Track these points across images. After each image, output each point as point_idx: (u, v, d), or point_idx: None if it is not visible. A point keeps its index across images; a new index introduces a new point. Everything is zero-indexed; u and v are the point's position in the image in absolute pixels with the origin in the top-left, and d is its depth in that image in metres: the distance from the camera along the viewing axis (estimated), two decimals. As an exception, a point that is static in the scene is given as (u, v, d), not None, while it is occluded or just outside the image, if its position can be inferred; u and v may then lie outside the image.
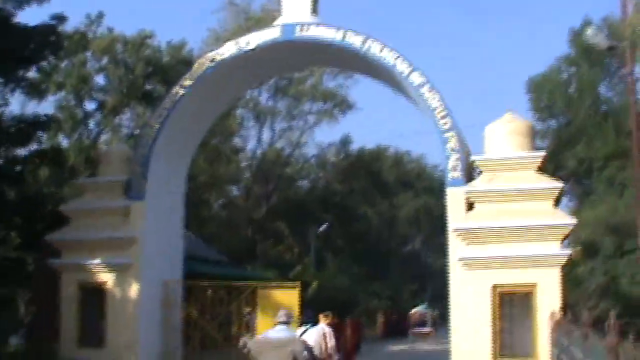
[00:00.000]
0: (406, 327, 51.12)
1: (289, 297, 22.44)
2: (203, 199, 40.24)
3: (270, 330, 13.78)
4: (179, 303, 23.75)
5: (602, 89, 48.54)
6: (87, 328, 22.56)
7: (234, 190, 50.57)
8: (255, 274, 35.54)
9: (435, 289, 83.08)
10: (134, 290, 22.18)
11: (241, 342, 15.15)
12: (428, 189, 73.83)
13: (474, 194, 20.14)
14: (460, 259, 19.84)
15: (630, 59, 25.65)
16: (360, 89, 79.29)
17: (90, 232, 22.64)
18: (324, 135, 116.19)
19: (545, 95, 48.68)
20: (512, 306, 19.79)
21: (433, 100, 20.79)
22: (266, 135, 50.83)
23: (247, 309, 23.44)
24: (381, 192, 61.77)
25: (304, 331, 16.68)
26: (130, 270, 22.24)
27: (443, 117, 20.70)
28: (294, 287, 22.76)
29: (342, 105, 50.54)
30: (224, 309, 23.77)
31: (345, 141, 56.37)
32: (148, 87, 37.91)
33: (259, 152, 50.39)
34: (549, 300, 19.21)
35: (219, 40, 39.70)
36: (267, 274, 34.63)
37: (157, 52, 38.55)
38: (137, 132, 37.45)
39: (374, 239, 58.14)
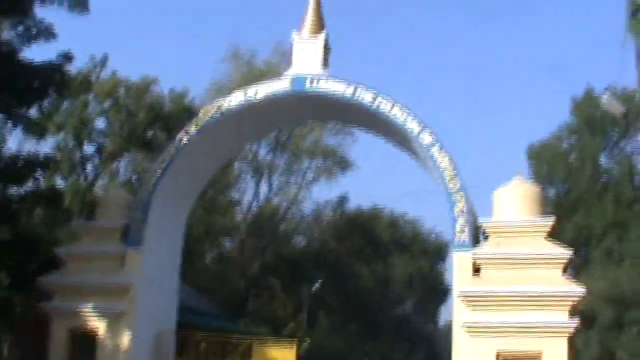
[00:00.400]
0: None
1: (285, 354, 21.92)
2: (197, 251, 39.64)
3: None
4: (171, 355, 23.12)
5: (603, 159, 48.45)
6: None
7: (228, 243, 50.02)
8: (248, 329, 34.84)
9: (426, 353, 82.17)
10: (126, 339, 21.56)
11: None
12: (423, 252, 73.37)
13: (481, 258, 19.73)
14: (465, 324, 19.35)
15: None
16: (360, 147, 78.84)
17: (85, 277, 22.11)
18: (321, 193, 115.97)
19: (546, 163, 48.53)
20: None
21: (443, 160, 20.50)
22: (263, 189, 50.55)
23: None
24: (376, 253, 61.26)
25: None
26: (124, 318, 21.65)
27: (452, 178, 20.39)
28: (291, 345, 22.23)
29: (341, 163, 50.31)
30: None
31: (342, 200, 56.04)
32: (149, 134, 37.61)
33: (255, 206, 50.00)
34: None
35: (222, 90, 39.57)
36: (260, 330, 33.89)
37: (159, 99, 38.32)
38: (134, 178, 37.07)
39: (367, 299, 57.36)
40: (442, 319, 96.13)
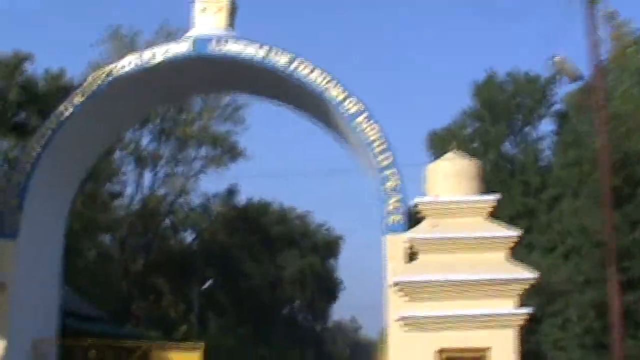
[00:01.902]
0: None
1: (189, 358, 19.46)
2: (76, 248, 36.42)
3: None
4: (53, 366, 20.31)
5: (507, 146, 47.66)
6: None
7: (108, 240, 46.72)
8: (137, 333, 32.07)
9: (315, 353, 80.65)
10: (-2, 347, 18.63)
11: None
12: (313, 249, 71.79)
13: (417, 242, 17.74)
14: (400, 319, 17.31)
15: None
16: (250, 137, 76.38)
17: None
18: (210, 185, 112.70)
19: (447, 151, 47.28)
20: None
21: (371, 132, 18.41)
22: (147, 180, 47.55)
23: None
24: (266, 249, 59.04)
25: None
26: (-5, 323, 18.71)
27: (382, 152, 18.32)
28: (195, 349, 19.76)
29: (231, 151, 47.87)
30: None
31: (231, 191, 53.56)
32: (21, 117, 34.09)
33: (137, 199, 46.92)
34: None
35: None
36: (149, 334, 31.15)
37: (33, 77, 34.77)
38: (3, 167, 33.51)
39: (258, 298, 55.12)
40: (333, 317, 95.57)
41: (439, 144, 46.95)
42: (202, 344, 19.82)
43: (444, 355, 17.17)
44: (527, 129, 47.46)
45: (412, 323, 17.22)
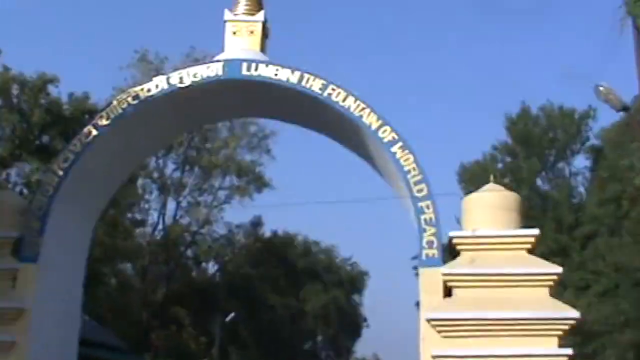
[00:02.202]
0: None
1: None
2: (97, 276, 36.02)
3: None
4: (71, 397, 19.75)
5: (539, 182, 46.97)
6: None
7: (130, 269, 46.26)
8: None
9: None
10: (16, 377, 18.07)
11: None
12: (337, 283, 71.05)
13: (454, 277, 17.08)
14: (435, 357, 16.61)
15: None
16: (277, 167, 75.49)
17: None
18: (234, 215, 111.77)
19: (479, 185, 46.64)
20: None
21: (406, 161, 17.83)
22: (170, 210, 47.12)
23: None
24: (290, 282, 58.38)
25: None
26: (14, 351, 18.11)
27: (417, 183, 17.73)
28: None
29: (257, 181, 47.40)
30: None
31: (256, 222, 53.05)
32: (44, 139, 33.83)
33: (160, 228, 46.53)
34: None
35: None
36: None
37: (57, 100, 34.55)
38: (25, 190, 33.17)
39: (280, 332, 54.37)
40: (356, 355, 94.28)
41: (470, 178, 46.38)
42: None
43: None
44: (560, 164, 46.87)
45: (447, 362, 16.56)
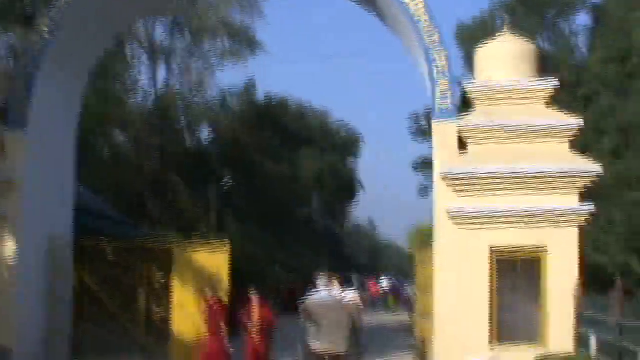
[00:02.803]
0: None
1: (214, 260, 18.20)
2: (89, 147, 35.02)
3: (315, 294, 15.43)
4: (69, 268, 19.11)
5: (539, 41, 45.56)
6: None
7: (122, 140, 45.19)
8: (154, 233, 30.86)
9: (333, 254, 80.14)
10: (9, 249, 17.36)
11: (301, 305, 15.71)
12: (332, 147, 70.30)
13: (469, 130, 16.19)
14: (449, 214, 15.92)
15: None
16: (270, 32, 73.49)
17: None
18: (227, 80, 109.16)
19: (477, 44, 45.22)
20: (515, 275, 16.02)
21: (417, 8, 16.64)
22: (161, 76, 45.65)
23: (159, 275, 18.91)
24: (285, 147, 57.52)
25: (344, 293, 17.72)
26: (6, 223, 17.38)
27: (430, 30, 16.61)
28: (221, 247, 18.46)
29: (249, 43, 45.83)
30: (129, 275, 19.18)
31: (249, 86, 51.67)
32: (29, 7, 32.08)
33: (151, 95, 45.16)
34: (562, 268, 15.60)
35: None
36: (167, 235, 29.86)
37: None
38: (11, 62, 31.73)
39: (277, 198, 53.78)
40: (352, 220, 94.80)
41: (469, 37, 44.93)
42: (227, 242, 18.50)
43: (497, 254, 15.84)
44: (561, 23, 45.31)
45: (463, 219, 15.86)
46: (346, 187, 74.82)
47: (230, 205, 47.12)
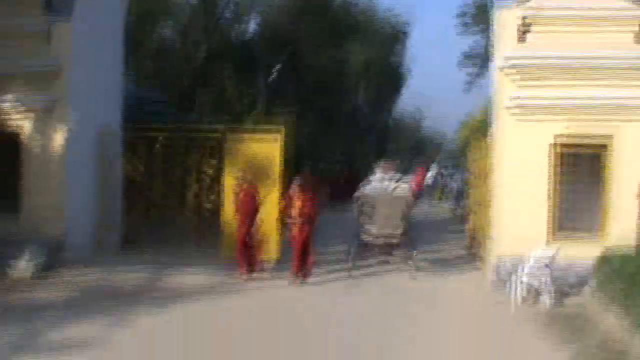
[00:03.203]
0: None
1: (268, 146, 17.50)
2: (137, 37, 34.21)
3: (373, 182, 17.23)
4: (119, 157, 18.63)
5: None
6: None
7: (169, 30, 44.20)
8: (204, 121, 30.22)
9: (379, 144, 79.37)
10: (59, 139, 16.91)
11: (357, 194, 17.33)
12: (379, 37, 68.41)
13: (531, 15, 15.10)
14: (510, 103, 15.02)
15: None
16: None
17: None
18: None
19: None
20: (578, 168, 15.16)
21: None
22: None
23: (212, 163, 18.28)
24: (332, 37, 55.96)
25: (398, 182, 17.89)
26: (54, 112, 16.88)
27: None
28: (275, 133, 17.71)
29: None
30: (179, 165, 18.61)
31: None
32: None
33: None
34: (628, 161, 14.72)
35: None
36: (217, 123, 29.15)
37: None
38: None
39: (324, 89, 52.71)
40: (398, 109, 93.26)
41: None
42: (281, 130, 17.71)
43: (560, 146, 14.98)
44: None
45: (524, 110, 14.97)
46: (392, 79, 73.29)
47: (278, 95, 46.28)
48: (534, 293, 13.93)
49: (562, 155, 14.96)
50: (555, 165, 14.93)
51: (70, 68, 16.88)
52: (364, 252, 17.56)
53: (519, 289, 13.63)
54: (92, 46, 17.82)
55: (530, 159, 14.88)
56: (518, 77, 14.95)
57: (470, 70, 44.61)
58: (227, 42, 43.88)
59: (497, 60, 15.33)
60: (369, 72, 66.64)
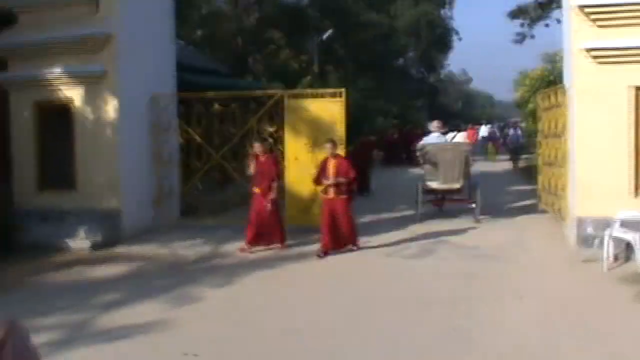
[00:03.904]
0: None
1: (329, 109, 16.12)
2: (189, 2, 32.93)
3: (430, 138, 18.59)
4: (174, 124, 17.49)
5: None
6: (50, 164, 16.21)
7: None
8: (259, 85, 28.93)
9: (434, 106, 77.55)
10: (111, 109, 15.76)
11: (418, 146, 18.24)
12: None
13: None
14: (587, 50, 13.38)
15: None
16: None
17: (47, 31, 15.89)
18: None
19: None
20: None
21: None
22: None
23: (271, 129, 16.96)
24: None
25: (454, 137, 19.81)
26: (105, 81, 15.72)
27: None
28: (337, 96, 16.32)
29: None
30: (237, 128, 17.33)
31: None
32: None
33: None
34: None
35: None
36: (271, 86, 27.91)
37: None
38: None
39: (374, 50, 51.06)
40: (446, 69, 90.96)
41: None
42: (343, 92, 16.30)
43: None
44: None
45: (601, 56, 13.31)
46: (441, 37, 71.26)
47: (331, 58, 44.85)
48: (624, 250, 12.48)
49: (645, 103, 13.33)
50: (636, 115, 13.30)
51: (119, 34, 15.68)
52: (430, 198, 18.38)
53: (610, 245, 12.17)
54: (141, 12, 16.59)
55: (611, 108, 13.26)
56: (595, 20, 13.29)
57: (522, 23, 42.47)
58: (278, 7, 42.32)
59: (573, 1, 13.63)
60: (418, 31, 64.88)
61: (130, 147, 16.03)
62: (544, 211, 17.52)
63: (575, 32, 13.55)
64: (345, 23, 44.29)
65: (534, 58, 56.98)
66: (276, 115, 16.70)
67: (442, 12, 71.39)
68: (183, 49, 24.19)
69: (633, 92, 13.21)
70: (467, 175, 18.00)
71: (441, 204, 18.75)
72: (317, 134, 15.84)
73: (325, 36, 41.80)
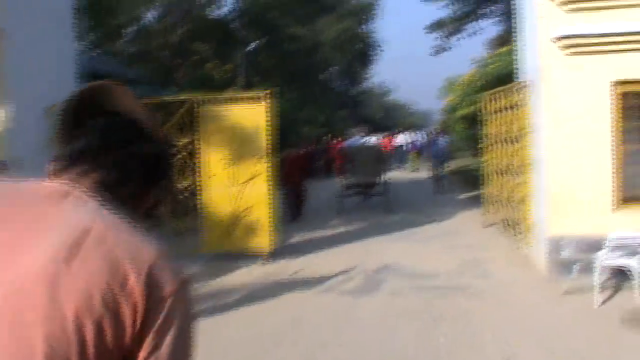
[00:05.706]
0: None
1: (251, 115, 12.58)
2: (113, 24, 29.12)
3: (351, 141, 21.45)
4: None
5: None
6: None
7: (147, 17, 38.84)
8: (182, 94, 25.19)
9: (353, 114, 74.58)
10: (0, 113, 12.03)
11: (343, 148, 21.09)
12: (351, 11, 63.61)
13: None
14: (557, 39, 10.23)
15: None
16: None
17: None
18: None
19: None
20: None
21: None
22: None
23: (185, 140, 13.32)
24: (308, 13, 50.91)
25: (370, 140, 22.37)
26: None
27: None
28: (260, 99, 12.81)
29: None
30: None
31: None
32: None
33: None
34: None
35: None
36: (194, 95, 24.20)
37: None
38: None
39: (300, 63, 47.81)
40: (369, 82, 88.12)
41: None
42: (266, 93, 12.81)
43: (620, 91, 10.24)
44: None
45: (575, 45, 10.18)
46: (363, 51, 68.43)
47: (258, 69, 41.37)
48: (612, 278, 9.36)
49: (625, 100, 10.23)
50: (617, 113, 10.21)
51: (9, 33, 11.96)
52: (352, 192, 19.54)
53: (598, 274, 8.99)
54: (38, 11, 12.91)
55: (585, 106, 10.16)
56: (567, 4, 10.15)
57: (437, 35, 39.80)
58: (203, 20, 38.53)
59: (538, -16, 10.47)
60: (342, 45, 61.76)
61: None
62: (491, 224, 14.43)
63: (541, 19, 10.36)
64: (271, 36, 40.79)
65: (461, 64, 54.66)
66: (190, 124, 13.11)
67: (363, 27, 68.55)
68: (102, 59, 20.46)
69: (612, 87, 10.10)
70: (382, 171, 19.55)
71: (365, 194, 19.74)
72: (238, 145, 12.35)
73: (251, 48, 38.20)
